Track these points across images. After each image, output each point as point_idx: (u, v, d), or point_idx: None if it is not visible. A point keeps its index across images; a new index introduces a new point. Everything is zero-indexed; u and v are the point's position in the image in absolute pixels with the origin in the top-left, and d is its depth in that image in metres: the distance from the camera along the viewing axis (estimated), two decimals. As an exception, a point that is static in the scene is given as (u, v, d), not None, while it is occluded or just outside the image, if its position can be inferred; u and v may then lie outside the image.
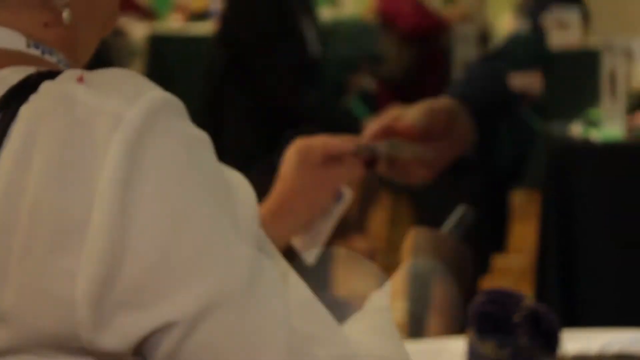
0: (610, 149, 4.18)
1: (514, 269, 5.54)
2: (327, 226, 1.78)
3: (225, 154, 3.98)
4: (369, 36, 4.21)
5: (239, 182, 0.97)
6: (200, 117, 4.14)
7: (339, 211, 1.78)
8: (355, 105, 4.10)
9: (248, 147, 3.83)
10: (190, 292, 0.88)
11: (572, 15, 9.44)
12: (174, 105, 0.93)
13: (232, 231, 0.92)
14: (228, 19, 3.90)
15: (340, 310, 1.20)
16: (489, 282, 4.63)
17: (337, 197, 1.76)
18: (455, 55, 7.90)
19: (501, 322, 1.95)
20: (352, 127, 3.79)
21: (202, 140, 0.94)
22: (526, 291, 4.66)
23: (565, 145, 4.13)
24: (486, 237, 4.24)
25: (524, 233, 5.28)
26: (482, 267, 4.35)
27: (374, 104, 4.39)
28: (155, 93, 0.92)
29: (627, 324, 3.82)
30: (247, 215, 0.94)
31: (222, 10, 4.00)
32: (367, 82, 4.57)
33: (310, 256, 1.77)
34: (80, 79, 0.92)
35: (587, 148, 4.19)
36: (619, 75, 4.12)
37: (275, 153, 3.79)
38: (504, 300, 1.96)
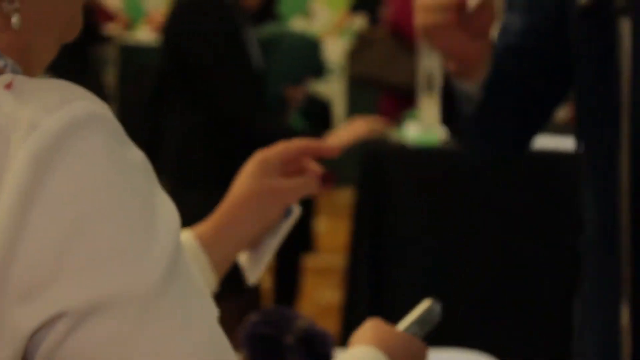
0: (424, 152, 4.18)
1: (329, 268, 5.51)
2: (273, 243, 1.71)
3: (168, 166, 3.87)
4: (313, 49, 4.15)
5: (163, 201, 0.98)
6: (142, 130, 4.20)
7: (286, 227, 1.70)
8: (295, 121, 4.05)
9: (194, 161, 3.83)
10: (81, 286, 0.89)
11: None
12: (99, 119, 0.93)
13: (144, 242, 0.92)
14: (175, 33, 3.78)
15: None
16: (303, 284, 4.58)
17: (286, 213, 1.67)
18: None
19: (273, 343, 1.86)
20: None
21: (125, 157, 0.94)
22: (335, 294, 4.63)
23: (380, 147, 4.09)
24: (294, 239, 4.22)
25: (337, 231, 5.26)
26: (292, 266, 4.29)
27: (315, 119, 4.35)
28: (81, 104, 0.92)
29: (440, 340, 3.93)
30: (167, 230, 0.94)
31: (166, 23, 3.87)
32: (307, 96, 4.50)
33: (253, 275, 1.72)
34: (9, 85, 0.93)
35: (401, 150, 4.17)
36: (435, 76, 4.09)
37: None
38: (277, 320, 1.86)
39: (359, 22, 9.42)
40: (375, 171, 4.10)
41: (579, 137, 1.92)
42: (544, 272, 3.99)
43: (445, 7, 1.72)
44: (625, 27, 1.69)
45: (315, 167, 1.68)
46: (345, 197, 4.19)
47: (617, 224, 1.73)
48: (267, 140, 3.71)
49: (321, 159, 4.15)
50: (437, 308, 1.51)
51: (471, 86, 1.83)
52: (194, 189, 3.76)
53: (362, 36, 7.28)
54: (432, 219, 4.10)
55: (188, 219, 3.97)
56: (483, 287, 4.05)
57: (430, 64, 4.10)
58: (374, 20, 9.53)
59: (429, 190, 4.10)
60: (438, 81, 4.08)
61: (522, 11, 1.91)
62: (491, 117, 1.93)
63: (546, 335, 3.98)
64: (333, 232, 5.56)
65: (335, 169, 4.00)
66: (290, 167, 1.65)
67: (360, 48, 6.60)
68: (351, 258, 4.15)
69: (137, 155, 0.96)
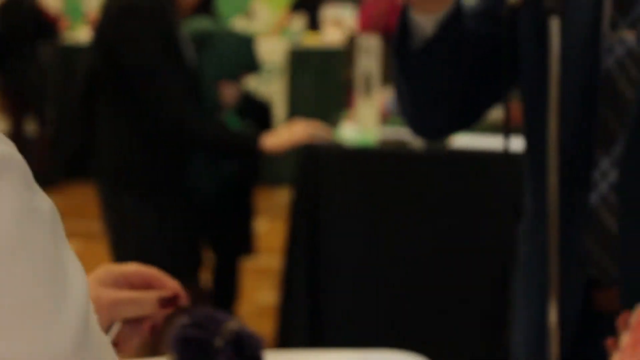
0: (361, 153, 4.17)
1: (268, 269, 5.50)
2: None
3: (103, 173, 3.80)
4: (246, 46, 4.12)
5: (70, 258, 0.91)
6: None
7: None
8: (231, 120, 4.02)
9: (128, 164, 3.79)
10: None
11: (349, 13, 9.52)
12: (8, 162, 0.85)
13: (52, 304, 0.86)
14: (107, 33, 3.74)
15: None
16: (243, 284, 4.57)
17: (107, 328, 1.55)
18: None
19: (202, 346, 1.83)
20: (248, 141, 3.71)
21: (32, 208, 0.87)
22: (271, 294, 4.62)
23: (316, 147, 4.07)
24: (233, 241, 4.21)
25: (277, 232, 5.25)
26: (231, 268, 4.28)
27: (255, 120, 4.33)
28: None
29: (367, 319, 3.95)
30: (77, 291, 0.89)
31: (98, 22, 3.81)
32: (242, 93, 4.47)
33: None
34: None
35: (337, 150, 4.15)
36: (373, 77, 4.09)
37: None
38: (207, 323, 1.84)
39: (299, 22, 9.43)
40: (312, 171, 4.09)
41: (523, 132, 1.93)
42: (475, 270, 4.02)
43: None
44: (554, 26, 1.69)
45: (168, 285, 1.62)
46: (285, 197, 4.18)
47: (546, 221, 1.75)
48: (200, 142, 3.74)
49: (248, 174, 4.12)
50: None
51: (428, 19, 1.79)
52: (129, 193, 3.72)
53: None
54: (368, 219, 4.10)
55: (124, 223, 3.94)
56: (417, 287, 4.07)
57: (367, 65, 4.09)
58: (313, 20, 9.55)
59: (365, 190, 4.12)
60: (376, 82, 4.08)
61: None
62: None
63: (478, 334, 4.01)
64: (273, 232, 5.55)
65: (274, 168, 4.01)
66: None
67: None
68: (287, 259, 4.14)
69: (44, 204, 0.89)
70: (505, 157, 1.91)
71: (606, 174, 1.79)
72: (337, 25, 9.48)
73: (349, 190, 4.10)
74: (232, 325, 1.78)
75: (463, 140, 4.14)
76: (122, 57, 3.62)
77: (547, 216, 1.73)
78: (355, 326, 4.06)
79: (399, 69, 1.86)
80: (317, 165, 4.09)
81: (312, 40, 9.14)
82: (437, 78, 1.87)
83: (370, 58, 4.09)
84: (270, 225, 5.47)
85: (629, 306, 1.71)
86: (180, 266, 3.73)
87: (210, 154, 3.85)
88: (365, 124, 4.14)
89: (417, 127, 2.01)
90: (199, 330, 1.78)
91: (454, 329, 4.01)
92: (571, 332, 1.80)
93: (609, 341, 1.67)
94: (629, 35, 1.77)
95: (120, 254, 3.77)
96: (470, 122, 2.04)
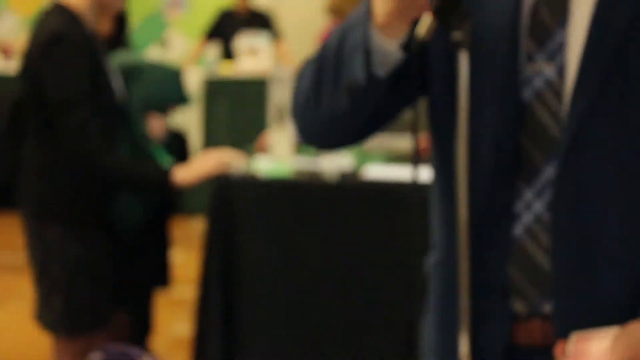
0: (274, 184, 4.17)
1: (183, 300, 5.46)
2: None
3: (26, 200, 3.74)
4: (175, 78, 4.11)
5: None
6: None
7: None
8: (159, 153, 3.99)
9: (51, 196, 3.73)
10: None
11: (263, 42, 9.53)
12: None
13: None
14: (32, 62, 3.69)
15: None
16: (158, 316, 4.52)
17: None
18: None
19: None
20: (160, 176, 3.70)
21: None
22: (186, 326, 4.59)
23: (230, 178, 4.08)
24: (149, 273, 4.18)
25: (192, 262, 5.21)
26: (146, 300, 4.24)
27: (171, 151, 4.31)
28: None
29: (282, 348, 3.95)
30: None
31: (25, 50, 3.77)
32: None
33: None
34: None
35: (251, 181, 4.16)
36: (286, 109, 4.10)
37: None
38: (121, 359, 1.83)
39: (214, 51, 9.41)
40: (226, 202, 4.09)
41: (432, 164, 1.94)
42: (385, 298, 4.05)
43: None
44: (463, 59, 1.70)
45: None
46: (200, 226, 4.17)
47: (456, 253, 1.74)
48: (111, 177, 3.72)
49: (164, 205, 4.10)
50: None
51: (392, 44, 1.76)
52: (52, 225, 3.68)
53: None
54: (282, 249, 4.12)
55: (47, 254, 3.91)
56: (330, 316, 4.09)
57: (280, 98, 4.10)
58: (227, 49, 9.55)
59: (279, 221, 4.13)
60: (288, 114, 4.09)
61: None
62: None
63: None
64: (188, 263, 5.51)
65: (190, 198, 4.00)
66: None
67: None
68: (201, 290, 4.13)
69: None
70: (414, 187, 1.91)
71: (530, 205, 1.81)
72: (252, 55, 9.49)
73: (263, 221, 4.11)
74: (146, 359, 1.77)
75: (374, 171, 4.16)
76: (46, 86, 3.58)
77: (458, 248, 1.73)
78: (270, 355, 4.06)
79: (353, 92, 1.81)
80: (231, 196, 4.09)
81: (227, 70, 9.13)
82: (379, 100, 1.84)
83: (284, 89, 4.10)
84: (186, 255, 5.44)
85: (564, 337, 1.74)
86: (104, 299, 3.73)
87: (123, 188, 3.83)
88: (279, 154, 4.15)
89: (324, 139, 1.97)
90: (111, 366, 1.78)
91: (368, 353, 4.03)
92: None
93: None
94: (547, 67, 1.80)
95: (45, 286, 3.72)
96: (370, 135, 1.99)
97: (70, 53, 3.56)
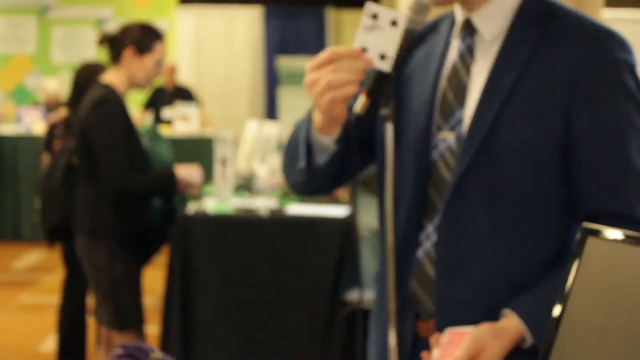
0: (220, 218, 4.15)
1: (154, 305, 5.39)
2: None
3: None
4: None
5: None
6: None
7: None
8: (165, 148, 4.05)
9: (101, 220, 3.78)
10: None
11: (192, 110, 9.52)
12: None
13: None
14: (83, 123, 3.76)
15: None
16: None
17: None
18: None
19: (134, 371, 1.80)
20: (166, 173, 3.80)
21: None
22: (155, 327, 4.53)
23: (187, 214, 4.07)
24: None
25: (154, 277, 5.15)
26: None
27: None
28: None
29: (234, 356, 3.93)
30: None
31: (78, 115, 3.82)
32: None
33: None
34: None
35: (202, 217, 4.14)
36: (228, 161, 4.09)
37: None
38: (136, 352, 1.82)
39: (149, 118, 9.36)
40: (183, 231, 4.07)
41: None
42: (304, 304, 4.06)
43: (350, 83, 1.64)
44: (389, 131, 1.69)
45: None
46: (163, 250, 4.16)
47: (385, 271, 1.75)
48: (136, 191, 3.79)
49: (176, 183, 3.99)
50: None
51: (328, 140, 1.75)
52: (100, 245, 3.72)
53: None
54: (225, 267, 4.09)
55: (98, 271, 3.95)
56: (262, 317, 4.08)
57: (223, 152, 4.10)
58: (157, 117, 9.51)
59: (223, 245, 4.10)
60: (231, 164, 4.09)
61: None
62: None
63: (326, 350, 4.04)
64: (154, 278, 5.42)
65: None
66: None
67: None
68: (165, 298, 4.09)
69: None
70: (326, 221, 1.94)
71: (429, 236, 1.79)
72: (184, 120, 9.47)
73: (211, 246, 4.09)
74: (156, 354, 1.75)
75: (295, 209, 4.18)
76: (93, 136, 3.66)
77: (386, 266, 1.73)
78: (217, 345, 4.05)
79: (304, 174, 1.81)
80: (187, 227, 4.08)
81: (165, 132, 9.08)
82: (331, 170, 1.84)
83: (225, 147, 4.11)
84: (153, 272, 5.34)
85: (441, 330, 1.76)
86: (140, 302, 3.82)
87: (149, 197, 3.91)
88: (223, 196, 4.15)
89: (304, 191, 1.96)
90: (130, 359, 1.76)
91: (294, 352, 4.04)
92: (408, 351, 1.80)
93: (423, 354, 1.69)
94: (449, 136, 1.79)
95: (98, 295, 3.80)
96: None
97: (112, 112, 3.64)
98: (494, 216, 1.74)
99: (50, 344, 5.65)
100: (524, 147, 1.72)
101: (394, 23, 1.62)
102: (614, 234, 1.27)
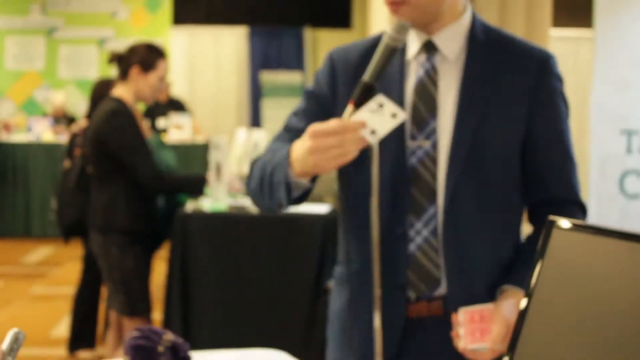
0: (215, 216, 4.13)
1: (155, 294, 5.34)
2: None
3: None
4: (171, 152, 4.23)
5: None
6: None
7: None
8: (167, 152, 4.11)
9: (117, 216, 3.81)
10: None
11: (185, 120, 9.49)
12: None
13: None
14: (96, 130, 3.82)
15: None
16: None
17: None
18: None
19: (149, 351, 1.81)
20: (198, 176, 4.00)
21: None
22: (157, 314, 4.52)
23: (186, 212, 4.05)
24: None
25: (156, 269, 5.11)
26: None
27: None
28: None
29: (228, 340, 3.93)
30: None
31: (90, 124, 3.93)
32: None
33: None
34: None
35: (199, 214, 4.12)
36: (223, 165, 4.08)
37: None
38: (151, 335, 1.82)
39: (146, 126, 9.31)
40: (182, 228, 4.05)
41: (346, 205, 1.91)
42: (290, 291, 4.05)
43: (352, 152, 1.62)
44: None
45: None
46: (165, 245, 4.15)
47: (372, 264, 1.75)
48: (161, 189, 3.82)
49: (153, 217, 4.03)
50: (22, 336, 1.27)
51: (305, 181, 1.73)
52: (113, 240, 3.71)
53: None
54: (220, 259, 4.07)
55: (111, 264, 4.00)
56: (253, 303, 4.07)
57: (218, 157, 4.08)
58: (153, 127, 9.47)
59: (218, 240, 4.09)
60: (225, 167, 4.08)
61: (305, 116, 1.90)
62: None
63: (298, 337, 4.04)
64: (156, 269, 5.40)
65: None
66: None
67: None
68: (167, 287, 4.06)
69: None
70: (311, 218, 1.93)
71: (420, 232, 1.83)
72: (178, 128, 9.43)
73: (207, 241, 4.07)
74: (168, 336, 1.76)
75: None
76: (110, 142, 3.70)
77: (372, 260, 1.72)
78: (213, 329, 4.04)
79: (282, 202, 1.78)
80: (186, 223, 4.06)
81: (163, 139, 9.04)
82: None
83: (220, 152, 4.09)
84: (155, 264, 5.32)
85: (453, 310, 1.78)
86: (149, 292, 3.87)
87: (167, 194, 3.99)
88: (218, 196, 4.14)
89: (271, 210, 1.90)
90: (145, 340, 1.76)
91: (282, 335, 4.04)
92: (399, 331, 1.84)
93: (453, 333, 1.74)
94: (425, 143, 1.82)
95: (111, 286, 3.82)
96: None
97: (126, 118, 3.69)
98: (482, 208, 1.82)
99: (60, 330, 5.62)
100: (500, 150, 1.82)
101: (394, 115, 1.65)
102: (578, 225, 1.28)
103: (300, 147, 1.67)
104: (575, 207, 1.88)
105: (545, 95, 1.83)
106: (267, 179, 1.78)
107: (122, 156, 3.66)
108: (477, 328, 1.69)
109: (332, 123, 1.61)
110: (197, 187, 3.94)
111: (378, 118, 1.65)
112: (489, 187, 1.82)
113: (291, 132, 1.90)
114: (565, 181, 1.87)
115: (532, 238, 1.87)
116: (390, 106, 1.65)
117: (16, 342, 1.26)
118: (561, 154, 1.87)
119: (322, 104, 1.90)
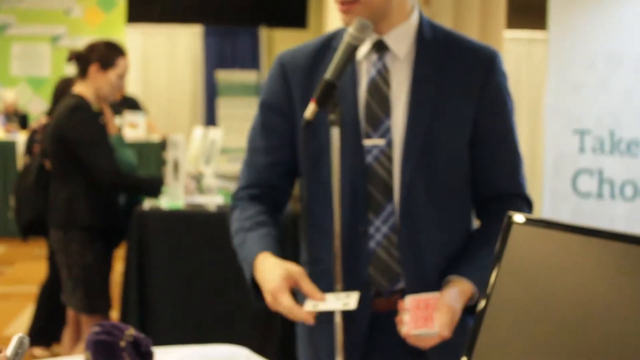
0: (172, 213, 4.12)
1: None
2: None
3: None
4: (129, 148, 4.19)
5: None
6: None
7: None
8: (126, 150, 4.10)
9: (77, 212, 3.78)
10: None
11: (139, 118, 9.43)
12: None
13: None
14: (58, 126, 3.77)
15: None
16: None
17: None
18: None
19: (111, 347, 1.81)
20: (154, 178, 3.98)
21: None
22: (114, 312, 4.49)
23: (143, 209, 4.04)
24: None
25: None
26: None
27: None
28: None
29: (186, 337, 3.92)
30: None
31: (52, 120, 3.87)
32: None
33: None
34: None
35: (157, 212, 4.10)
36: (180, 163, 4.07)
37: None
38: (113, 330, 1.82)
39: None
40: (140, 225, 4.03)
41: (305, 202, 1.91)
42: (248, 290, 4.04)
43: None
44: (335, 134, 1.71)
45: None
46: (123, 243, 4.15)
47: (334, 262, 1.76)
48: (120, 186, 3.81)
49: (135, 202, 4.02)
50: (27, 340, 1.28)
51: None
52: (73, 237, 3.69)
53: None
54: (177, 256, 4.06)
55: (71, 261, 3.98)
56: (210, 298, 4.06)
57: (176, 153, 4.07)
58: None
59: (175, 237, 4.07)
60: (182, 165, 4.07)
61: (264, 150, 1.94)
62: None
63: (254, 330, 4.03)
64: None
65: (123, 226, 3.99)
66: None
67: None
68: (124, 285, 4.03)
69: None
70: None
71: (379, 229, 1.85)
72: (133, 127, 9.37)
73: (165, 238, 4.05)
74: (130, 331, 1.76)
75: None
76: (71, 138, 3.66)
77: (334, 257, 1.73)
78: (171, 328, 4.03)
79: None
80: (144, 220, 4.04)
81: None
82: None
83: (178, 150, 4.08)
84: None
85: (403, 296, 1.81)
86: (109, 289, 3.83)
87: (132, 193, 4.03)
88: (175, 193, 4.13)
89: None
90: (107, 335, 1.76)
91: (240, 331, 4.04)
92: (364, 326, 1.86)
93: (398, 319, 1.75)
94: (380, 142, 1.84)
95: (70, 283, 3.78)
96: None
97: (86, 113, 3.66)
98: (435, 203, 1.85)
99: (15, 328, 5.56)
100: (450, 146, 1.85)
101: (345, 304, 1.68)
102: (535, 220, 1.31)
103: (262, 284, 1.78)
104: (521, 202, 1.91)
105: (492, 92, 1.86)
106: (239, 258, 1.92)
107: (81, 152, 3.64)
108: (422, 315, 1.73)
109: (284, 305, 1.69)
110: (154, 188, 3.93)
111: (332, 301, 1.70)
112: (441, 183, 1.85)
113: (258, 154, 1.94)
114: (512, 177, 1.90)
115: (478, 232, 1.91)
116: (350, 299, 1.70)
117: (21, 347, 1.26)
118: (508, 149, 1.90)
119: (280, 114, 1.91)
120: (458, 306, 1.76)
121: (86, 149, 3.65)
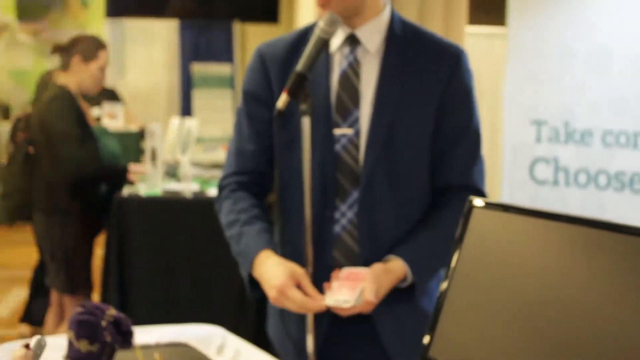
0: (150, 200, 4.10)
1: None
2: None
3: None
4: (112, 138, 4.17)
5: None
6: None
7: None
8: (110, 141, 4.09)
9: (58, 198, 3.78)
10: None
11: (118, 109, 9.37)
12: None
13: None
14: (41, 117, 3.76)
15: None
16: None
17: None
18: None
19: (93, 326, 1.81)
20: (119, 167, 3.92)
21: None
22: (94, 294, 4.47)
23: (122, 196, 4.02)
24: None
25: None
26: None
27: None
28: None
29: (164, 318, 3.91)
30: None
31: (35, 108, 3.87)
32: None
33: None
34: None
35: (135, 199, 4.08)
36: (158, 151, 4.06)
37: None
38: (95, 311, 1.82)
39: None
40: (120, 211, 4.01)
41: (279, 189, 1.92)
42: (224, 271, 4.04)
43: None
44: (306, 123, 1.74)
45: None
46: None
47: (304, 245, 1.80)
48: (92, 173, 3.80)
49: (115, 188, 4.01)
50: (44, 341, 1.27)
51: None
52: (58, 218, 3.65)
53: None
54: (155, 240, 4.05)
55: (54, 245, 3.96)
56: (187, 282, 4.06)
57: (154, 142, 4.06)
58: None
59: (154, 222, 4.06)
60: (160, 153, 4.06)
61: (251, 137, 1.94)
62: None
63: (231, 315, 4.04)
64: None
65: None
66: None
67: None
68: (104, 269, 4.02)
69: None
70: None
71: (344, 214, 1.86)
72: (112, 117, 9.30)
73: (143, 223, 4.04)
74: (111, 311, 1.76)
75: (216, 191, 4.15)
76: (50, 124, 3.64)
77: (305, 241, 1.77)
78: (150, 310, 4.03)
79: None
80: (123, 206, 4.02)
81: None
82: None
83: (155, 139, 4.07)
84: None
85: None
86: (90, 271, 3.86)
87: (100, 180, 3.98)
88: (153, 181, 4.11)
89: None
90: (89, 316, 1.76)
91: (216, 313, 4.04)
92: (329, 314, 1.85)
93: (325, 284, 1.77)
94: (348, 131, 1.85)
95: (54, 265, 3.78)
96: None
97: (67, 102, 3.61)
98: (394, 189, 1.85)
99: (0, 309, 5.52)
100: (413, 139, 1.86)
101: (346, 301, 1.72)
102: (494, 204, 1.33)
103: (264, 279, 1.77)
104: (473, 194, 1.87)
105: (456, 88, 1.86)
106: (233, 250, 1.93)
107: (54, 139, 3.63)
108: (349, 285, 1.75)
109: (297, 299, 1.70)
110: (117, 176, 3.93)
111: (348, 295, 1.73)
112: (401, 170, 1.85)
113: (245, 142, 1.95)
114: (466, 170, 1.90)
115: (421, 219, 1.90)
116: (357, 296, 1.73)
117: (39, 349, 1.26)
118: (465, 145, 1.90)
119: (262, 102, 1.91)
120: (385, 279, 1.77)
121: (58, 137, 3.64)
